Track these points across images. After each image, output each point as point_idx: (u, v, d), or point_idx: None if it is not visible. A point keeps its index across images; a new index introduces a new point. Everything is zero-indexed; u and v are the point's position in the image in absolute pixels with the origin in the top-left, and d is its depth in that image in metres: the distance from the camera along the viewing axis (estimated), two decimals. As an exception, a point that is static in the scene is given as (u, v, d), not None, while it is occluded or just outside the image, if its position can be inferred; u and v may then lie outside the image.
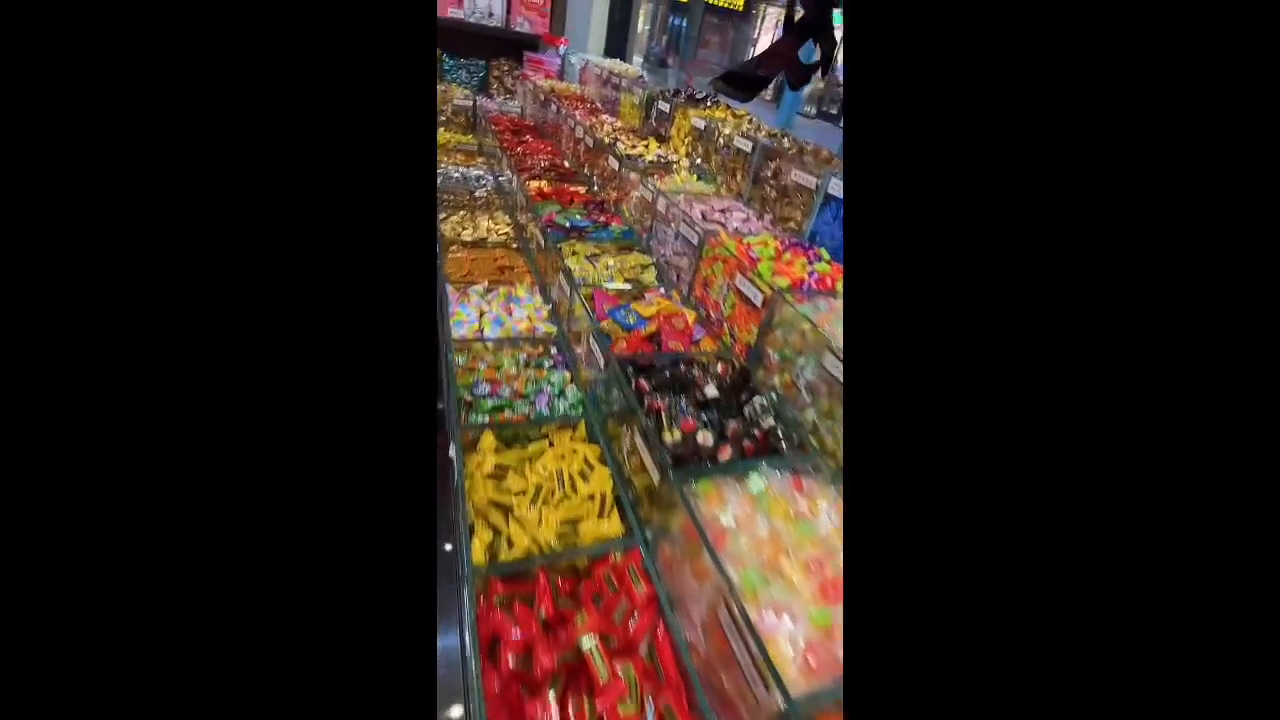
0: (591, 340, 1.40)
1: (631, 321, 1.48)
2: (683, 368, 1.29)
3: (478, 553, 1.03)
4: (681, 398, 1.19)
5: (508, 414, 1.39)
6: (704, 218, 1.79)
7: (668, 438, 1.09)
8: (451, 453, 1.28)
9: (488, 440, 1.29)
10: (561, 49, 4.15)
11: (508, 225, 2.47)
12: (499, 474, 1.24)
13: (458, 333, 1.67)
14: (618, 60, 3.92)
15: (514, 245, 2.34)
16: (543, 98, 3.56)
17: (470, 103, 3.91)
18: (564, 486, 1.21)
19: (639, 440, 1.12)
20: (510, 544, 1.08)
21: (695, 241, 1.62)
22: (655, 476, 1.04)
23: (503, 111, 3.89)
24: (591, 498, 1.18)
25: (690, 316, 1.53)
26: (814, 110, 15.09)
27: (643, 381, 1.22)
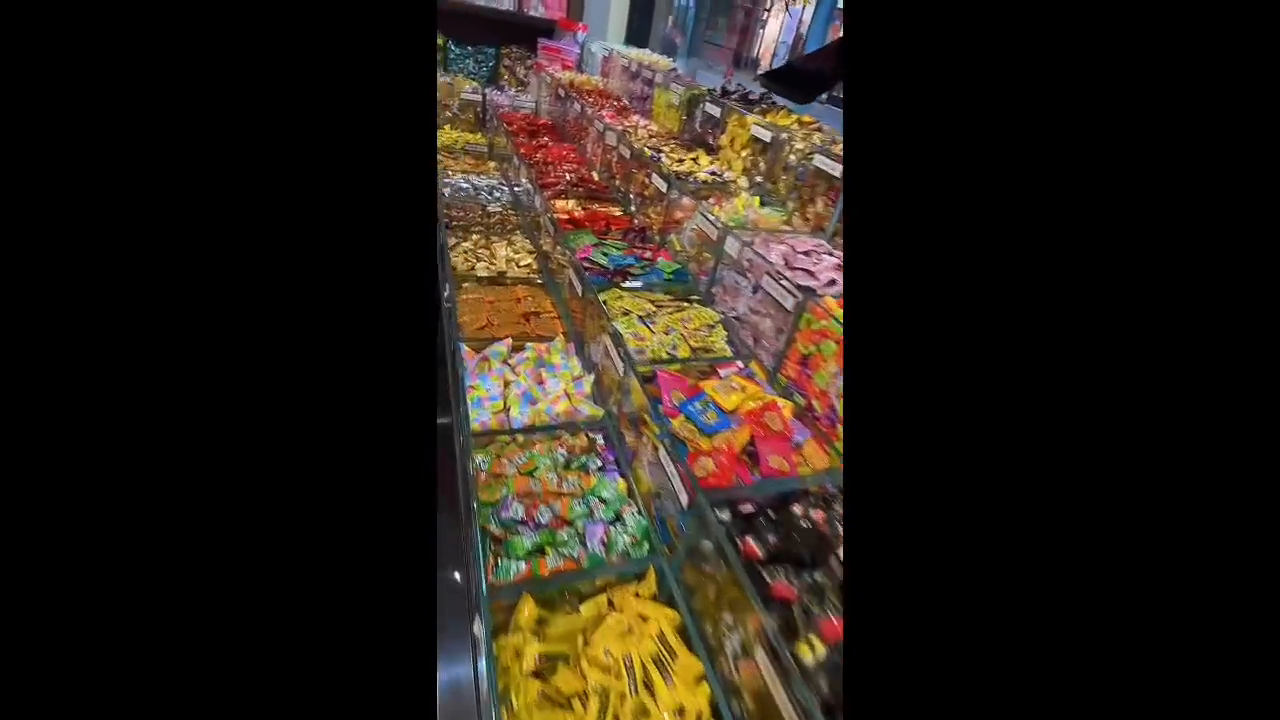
0: (663, 455, 1.03)
1: (711, 422, 1.10)
2: (798, 511, 0.93)
3: None
4: (813, 574, 0.82)
5: (550, 556, 1.02)
6: (786, 263, 1.41)
7: (807, 654, 0.73)
8: (478, 629, 0.91)
9: (527, 611, 0.93)
10: (580, 36, 3.72)
11: (530, 253, 2.08)
12: (545, 666, 0.88)
13: (479, 419, 1.30)
14: (645, 50, 3.49)
15: (538, 280, 1.96)
16: (561, 92, 3.14)
17: (479, 96, 3.49)
18: (637, 689, 0.85)
19: (761, 656, 0.75)
20: (572, 820, 0.73)
21: (789, 305, 1.24)
22: (804, 746, 0.67)
23: (515, 107, 3.47)
24: (680, 714, 0.83)
25: (787, 410, 1.16)
26: (824, 95, 14.48)
27: (753, 543, 0.85)
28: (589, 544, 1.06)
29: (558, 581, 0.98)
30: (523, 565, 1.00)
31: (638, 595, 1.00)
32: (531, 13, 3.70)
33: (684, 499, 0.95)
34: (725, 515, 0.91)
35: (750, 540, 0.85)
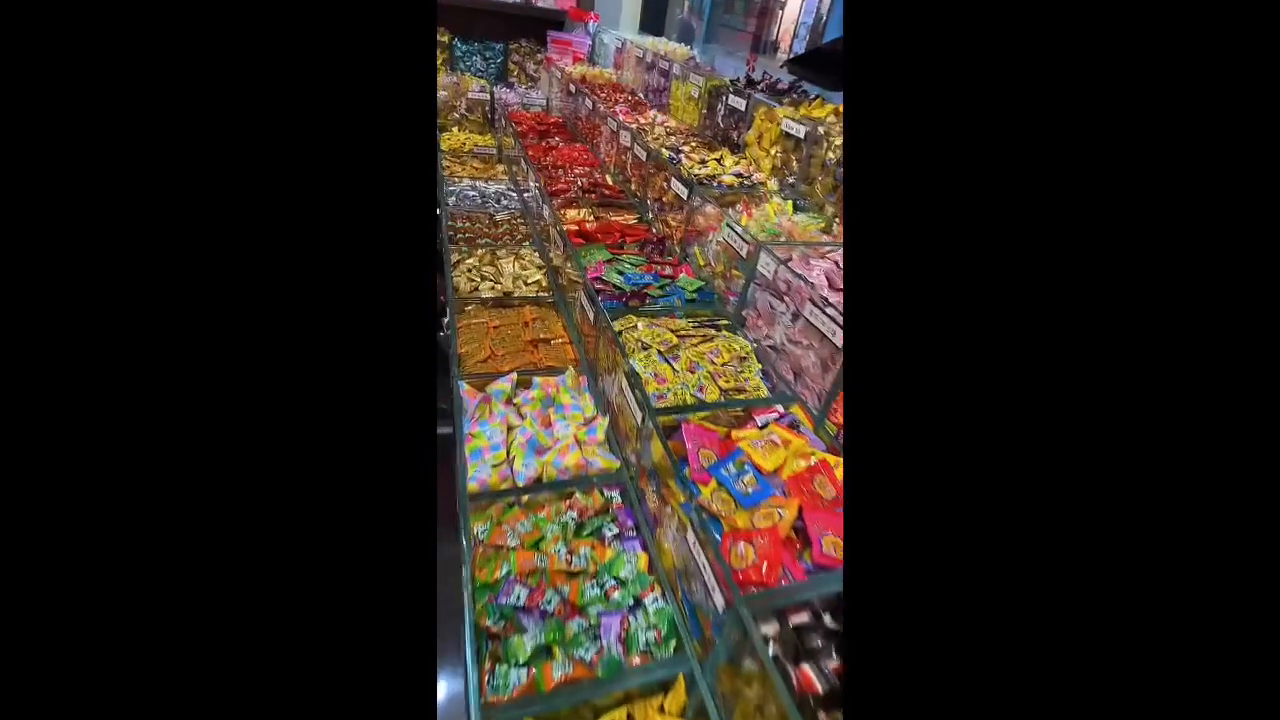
0: (691, 539, 0.85)
1: (750, 491, 0.91)
2: (866, 618, 0.73)
3: None
4: None
5: (557, 660, 0.85)
6: (830, 284, 1.21)
7: None
8: (468, 763, 0.75)
9: (529, 742, 0.76)
10: (591, 26, 3.52)
11: (540, 268, 1.91)
12: (550, 817, 0.71)
13: (477, 476, 1.13)
14: (661, 39, 3.27)
15: (548, 298, 1.79)
16: (572, 88, 2.95)
17: (487, 95, 3.32)
18: None
19: None
20: None
21: (838, 340, 1.04)
22: None
23: (525, 105, 3.29)
24: None
25: (840, 469, 0.96)
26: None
27: (809, 673, 0.67)
28: (604, 639, 0.89)
29: (567, 698, 0.81)
30: (524, 674, 0.83)
31: (663, 710, 0.83)
32: (540, 4, 3.51)
33: (718, 600, 0.77)
34: (772, 628, 0.72)
35: (806, 670, 0.67)
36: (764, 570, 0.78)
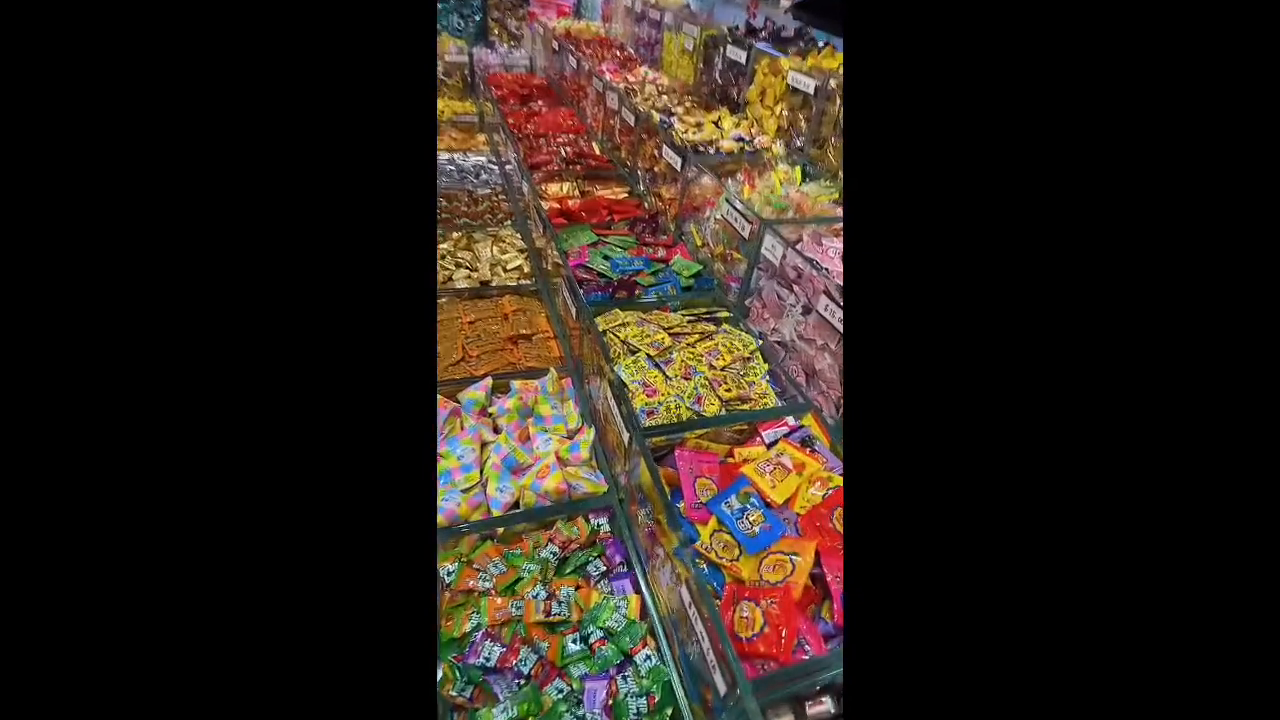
0: (685, 595, 0.71)
1: (756, 531, 0.77)
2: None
3: None
4: None
5: (533, 738, 0.73)
6: (846, 269, 1.04)
7: None
8: None
9: None
10: (577, -26, 3.23)
11: (521, 252, 1.73)
12: None
13: (445, 505, 0.99)
14: (652, -16, 2.98)
15: (530, 285, 1.62)
16: (556, 45, 2.71)
17: (465, 57, 3.07)
18: None
19: None
20: None
21: (858, 344, 0.87)
22: None
23: (507, 66, 3.04)
24: None
25: (861, 500, 0.81)
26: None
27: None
28: (588, 708, 0.76)
29: (542, 789, 0.69)
30: (493, 759, 0.70)
31: (659, 798, 0.70)
32: (519, -49, 3.21)
33: (719, 683, 0.63)
34: (785, 721, 0.59)
35: (830, 787, 0.53)
36: (774, 643, 0.64)
